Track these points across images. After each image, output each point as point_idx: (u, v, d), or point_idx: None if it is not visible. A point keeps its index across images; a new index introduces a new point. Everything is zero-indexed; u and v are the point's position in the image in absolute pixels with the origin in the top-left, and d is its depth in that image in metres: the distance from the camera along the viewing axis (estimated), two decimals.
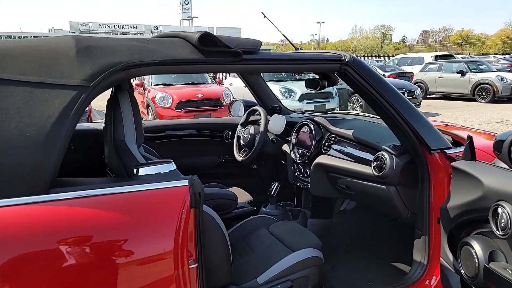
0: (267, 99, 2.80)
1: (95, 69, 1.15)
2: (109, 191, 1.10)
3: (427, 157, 1.60)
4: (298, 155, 2.31)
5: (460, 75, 12.95)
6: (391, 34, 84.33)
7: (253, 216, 2.10)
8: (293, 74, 2.28)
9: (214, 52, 1.31)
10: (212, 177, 2.78)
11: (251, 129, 2.48)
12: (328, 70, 1.61)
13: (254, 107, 2.57)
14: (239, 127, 2.65)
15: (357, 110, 9.36)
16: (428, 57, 16.24)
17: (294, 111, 2.89)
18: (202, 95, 7.17)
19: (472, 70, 12.91)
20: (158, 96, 7.10)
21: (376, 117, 2.36)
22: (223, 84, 9.50)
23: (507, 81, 12.02)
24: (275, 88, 8.63)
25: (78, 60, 1.15)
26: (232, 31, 41.15)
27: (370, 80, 1.57)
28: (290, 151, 2.36)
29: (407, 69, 15.03)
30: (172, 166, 1.24)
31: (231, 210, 2.04)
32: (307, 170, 2.22)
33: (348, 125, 2.15)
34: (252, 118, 2.67)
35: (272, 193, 2.21)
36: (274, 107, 2.80)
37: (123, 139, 1.39)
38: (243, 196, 2.41)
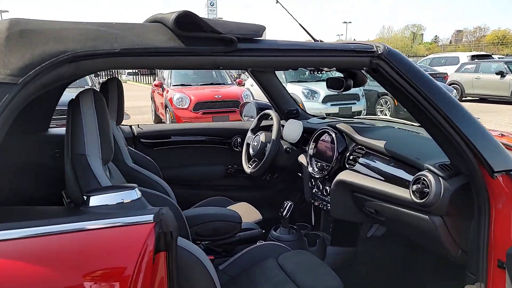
0: (282, 101, 2.43)
1: (27, 61, 0.83)
2: (35, 232, 0.78)
3: (488, 181, 1.20)
4: (316, 169, 1.93)
5: (499, 76, 12.09)
6: (422, 34, 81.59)
7: (260, 242, 1.75)
8: (311, 72, 1.90)
9: (198, 38, 0.97)
10: (218, 190, 2.44)
11: (261, 136, 2.12)
12: (355, 65, 1.23)
13: (266, 111, 2.21)
14: (249, 134, 2.30)
15: (386, 114, 8.81)
16: (464, 57, 15.34)
17: (314, 115, 2.50)
18: (220, 96, 6.87)
19: None
20: (176, 97, 6.86)
21: (413, 125, 1.95)
22: (243, 85, 9.19)
23: None
24: (297, 89, 8.25)
25: (7, 49, 0.84)
26: None
27: (412, 79, 1.18)
28: (307, 163, 1.98)
29: (440, 69, 14.22)
30: (135, 194, 0.90)
31: (234, 235, 1.70)
32: (327, 188, 1.84)
33: (378, 134, 1.76)
34: (264, 123, 2.32)
35: (284, 213, 1.84)
36: (290, 111, 2.43)
37: (83, 153, 1.07)
38: (251, 214, 2.05)
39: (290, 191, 2.50)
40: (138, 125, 2.36)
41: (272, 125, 2.42)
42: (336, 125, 1.89)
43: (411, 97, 1.19)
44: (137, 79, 26.90)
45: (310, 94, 8.06)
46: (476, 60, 14.04)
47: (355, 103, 8.28)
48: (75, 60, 0.87)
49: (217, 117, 6.56)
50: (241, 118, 2.73)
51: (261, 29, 1.05)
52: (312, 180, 1.97)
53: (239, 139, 2.46)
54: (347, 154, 1.78)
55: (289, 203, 1.85)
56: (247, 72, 2.31)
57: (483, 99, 12.84)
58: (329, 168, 1.80)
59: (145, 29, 0.98)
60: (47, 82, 0.86)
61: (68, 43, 0.87)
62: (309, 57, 1.15)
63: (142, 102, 11.65)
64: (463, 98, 13.05)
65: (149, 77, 22.50)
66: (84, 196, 0.89)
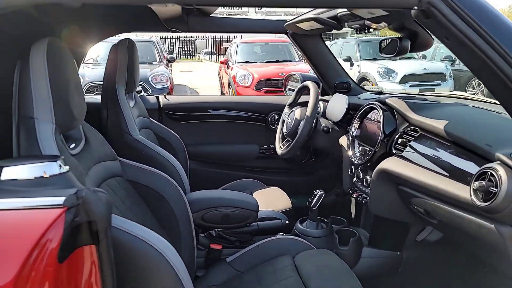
0: (330, 73, 2.07)
1: None
2: None
3: None
4: (358, 154, 1.57)
5: None
6: None
7: (281, 234, 1.48)
8: (358, 32, 1.52)
9: None
10: (250, 171, 2.20)
11: (296, 112, 1.81)
12: (397, 2, 0.86)
13: (306, 82, 1.88)
14: (285, 109, 2.00)
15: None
16: None
17: (368, 91, 2.10)
18: (284, 74, 6.54)
19: None
20: (239, 74, 6.70)
21: (495, 103, 1.47)
22: None
23: None
24: (372, 67, 7.58)
25: None
26: None
27: (483, 26, 0.79)
28: (348, 146, 1.63)
29: None
30: (55, 167, 0.69)
31: (247, 224, 1.44)
32: (368, 177, 1.49)
33: (441, 112, 1.34)
34: (303, 98, 1.99)
35: (312, 204, 1.53)
36: (340, 84, 2.06)
37: (31, 116, 0.88)
38: (279, 201, 1.78)
39: (333, 179, 2.16)
40: (165, 95, 2.20)
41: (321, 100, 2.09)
42: (386, 100, 1.50)
43: (483, 56, 0.81)
44: (214, 59, 27.62)
45: (386, 74, 7.35)
46: None
47: (439, 84, 7.34)
48: None
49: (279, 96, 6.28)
50: (284, 93, 2.43)
51: None
52: (352, 167, 1.62)
53: (276, 116, 2.18)
54: (396, 136, 1.39)
55: (320, 193, 1.53)
56: (287, 36, 1.99)
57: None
58: (371, 153, 1.44)
59: None
60: None
61: None
62: None
63: (215, 81, 11.77)
64: None
65: None
66: None
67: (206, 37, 29.53)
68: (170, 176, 1.28)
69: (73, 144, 0.98)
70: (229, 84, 7.17)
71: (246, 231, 1.52)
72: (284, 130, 1.85)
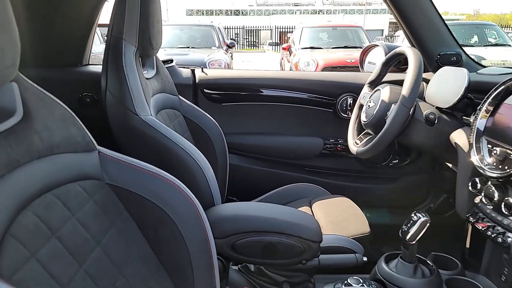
0: (433, 40, 1.45)
1: None
2: None
3: None
4: (490, 159, 0.97)
5: None
6: None
7: (354, 278, 0.95)
8: None
9: None
10: (310, 173, 1.66)
11: (383, 92, 1.22)
12: None
13: (401, 48, 1.27)
14: (365, 89, 1.41)
15: None
16: None
17: (488, 66, 1.44)
18: (354, 61, 5.81)
19: None
20: (302, 61, 6.10)
21: None
22: None
23: None
24: None
25: None
26: None
27: None
28: (470, 145, 1.02)
29: None
30: None
31: (301, 261, 0.92)
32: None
33: None
34: (391, 76, 1.40)
35: (409, 236, 0.96)
36: (446, 56, 1.44)
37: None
38: (352, 219, 1.23)
39: (434, 191, 1.55)
40: (202, 68, 1.71)
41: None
42: None
43: None
44: (277, 49, 26.99)
45: None
46: None
47: None
48: None
49: None
50: (361, 71, 1.84)
51: None
52: (477, 180, 1.01)
53: (349, 100, 1.60)
54: None
55: (422, 219, 0.95)
56: None
57: None
58: None
59: None
60: None
61: None
62: None
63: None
64: None
65: None
66: None
67: (270, 27, 29.06)
68: (191, 181, 0.82)
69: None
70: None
71: (301, 268, 0.99)
72: (363, 118, 1.27)
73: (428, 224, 0.95)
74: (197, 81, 1.64)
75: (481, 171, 0.96)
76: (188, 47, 6.50)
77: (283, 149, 1.65)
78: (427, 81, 1.46)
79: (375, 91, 1.28)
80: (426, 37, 1.44)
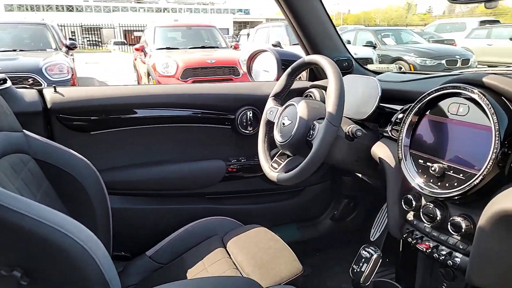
0: (326, 46, 1.40)
1: None
2: None
3: None
4: (421, 175, 0.93)
5: None
6: (416, 5, 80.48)
7: None
8: None
9: None
10: (216, 201, 1.45)
11: (300, 108, 1.08)
12: None
13: (307, 58, 1.16)
14: (269, 103, 1.26)
15: None
16: (471, 22, 14.38)
17: (379, 72, 1.47)
18: (214, 61, 5.75)
19: None
20: (160, 62, 5.72)
21: None
22: (239, 50, 8.04)
23: None
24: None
25: None
26: None
27: None
28: (400, 161, 0.98)
29: (446, 36, 13.22)
30: None
31: None
32: (460, 220, 0.84)
33: None
34: (299, 84, 1.29)
35: (363, 279, 0.84)
36: (338, 61, 1.40)
37: None
38: (281, 257, 1.07)
39: (336, 198, 1.53)
40: (54, 87, 1.25)
41: (319, 87, 1.41)
42: (486, 80, 0.86)
43: None
44: (125, 49, 25.04)
45: None
46: (488, 25, 13.03)
47: None
48: None
49: None
50: (250, 79, 1.69)
51: None
52: (410, 196, 0.96)
53: (249, 114, 1.43)
54: None
55: (375, 255, 0.84)
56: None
57: (492, 66, 11.78)
58: (472, 180, 0.80)
59: None
60: None
61: None
62: None
63: (130, 73, 10.34)
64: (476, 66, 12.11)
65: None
66: None
67: (113, 25, 26.94)
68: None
69: None
70: (149, 74, 6.14)
71: None
72: (278, 138, 1.12)
73: (379, 261, 0.86)
74: (49, 106, 1.21)
75: (423, 192, 0.91)
76: (15, 50, 5.35)
77: (178, 179, 1.38)
78: (326, 88, 1.41)
79: (287, 106, 1.14)
80: (322, 43, 1.38)
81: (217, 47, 6.75)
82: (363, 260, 0.86)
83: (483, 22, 13.91)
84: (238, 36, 14.36)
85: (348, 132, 1.05)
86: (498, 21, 15.40)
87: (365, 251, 0.88)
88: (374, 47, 8.49)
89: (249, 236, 1.16)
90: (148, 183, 1.34)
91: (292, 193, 1.59)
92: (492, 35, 11.97)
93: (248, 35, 10.57)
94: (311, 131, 1.02)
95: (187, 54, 6.04)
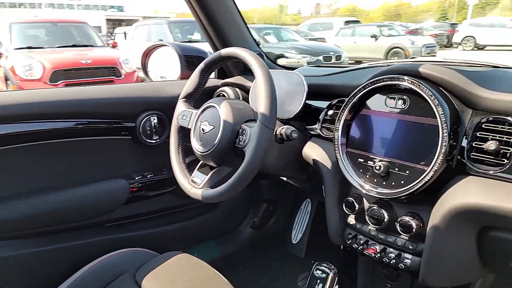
0: (239, 42, 1.24)
1: None
2: None
3: None
4: (362, 174, 0.85)
5: (374, 39, 12.84)
6: (287, 6, 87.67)
7: None
8: None
9: None
10: (120, 228, 1.18)
11: (222, 110, 0.90)
12: None
13: (224, 51, 0.98)
14: (180, 106, 1.04)
15: None
16: (338, 22, 16.11)
17: (294, 67, 1.38)
18: (90, 61, 5.10)
19: (383, 35, 12.89)
20: (21, 64, 4.83)
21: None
22: (118, 48, 7.38)
23: (417, 45, 12.20)
24: None
25: None
26: None
27: None
28: (336, 162, 0.88)
29: (317, 34, 14.55)
30: None
31: None
32: (409, 219, 0.78)
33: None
34: (207, 83, 1.10)
35: None
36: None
37: None
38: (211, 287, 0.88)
39: (254, 204, 1.41)
40: None
41: (229, 85, 1.25)
42: (422, 70, 0.80)
43: None
44: None
45: None
46: (351, 25, 14.72)
47: None
48: None
49: None
50: (147, 79, 1.44)
51: None
52: (351, 199, 0.88)
53: (154, 120, 1.19)
54: (465, 138, 0.74)
55: (331, 273, 0.73)
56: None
57: (358, 62, 13.45)
58: (423, 177, 0.74)
59: None
60: None
61: None
62: None
63: None
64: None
65: None
66: None
67: None
68: None
69: None
70: (6, 79, 5.14)
71: None
72: (198, 147, 0.91)
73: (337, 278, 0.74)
74: None
75: (369, 193, 0.83)
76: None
77: (69, 209, 1.06)
78: (241, 86, 1.25)
79: (205, 109, 0.94)
80: (233, 38, 1.22)
81: (92, 46, 6.03)
82: (319, 281, 0.74)
83: (347, 22, 15.68)
84: (113, 34, 13.28)
85: (280, 134, 0.91)
86: (359, 21, 17.58)
87: (319, 270, 0.76)
88: (258, 45, 8.74)
89: (169, 267, 0.94)
90: (30, 219, 1.00)
91: (207, 206, 1.40)
92: (356, 33, 13.54)
93: (125, 33, 9.80)
94: (240, 137, 0.85)
95: (55, 54, 5.24)
